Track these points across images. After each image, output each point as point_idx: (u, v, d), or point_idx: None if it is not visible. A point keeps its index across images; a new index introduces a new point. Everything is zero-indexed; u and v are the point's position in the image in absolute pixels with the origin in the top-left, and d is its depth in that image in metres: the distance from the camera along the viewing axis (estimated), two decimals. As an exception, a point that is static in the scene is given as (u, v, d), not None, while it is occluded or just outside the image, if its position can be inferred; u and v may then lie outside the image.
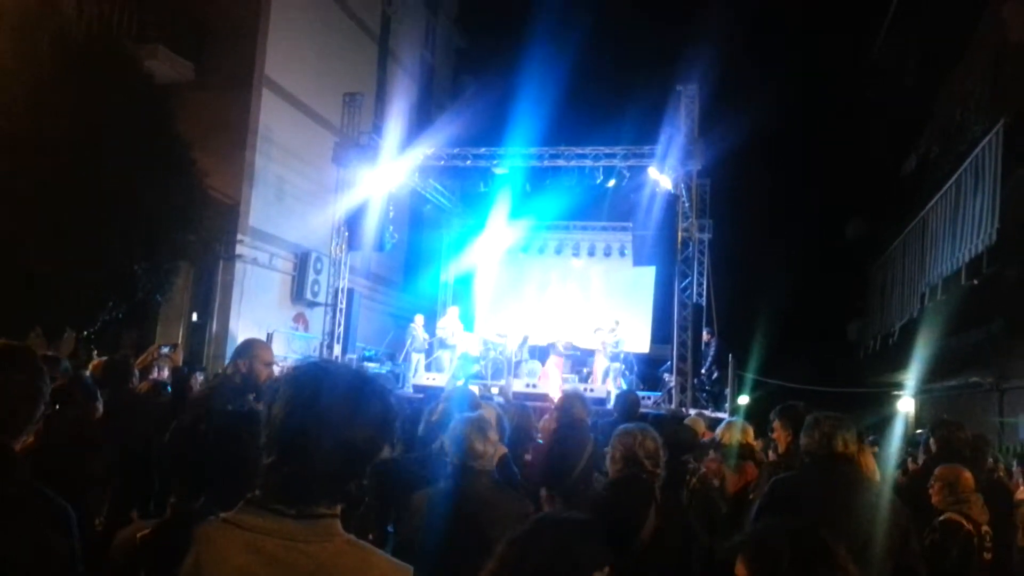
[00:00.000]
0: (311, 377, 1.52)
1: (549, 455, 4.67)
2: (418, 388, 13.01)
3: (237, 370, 3.66)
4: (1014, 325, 12.04)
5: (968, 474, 4.10)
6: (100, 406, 3.35)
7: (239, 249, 14.68)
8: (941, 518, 3.89)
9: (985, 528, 3.91)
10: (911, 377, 16.70)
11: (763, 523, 1.97)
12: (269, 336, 13.87)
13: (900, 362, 17.65)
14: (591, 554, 1.65)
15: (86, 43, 11.30)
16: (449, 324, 15.35)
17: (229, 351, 14.15)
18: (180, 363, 5.69)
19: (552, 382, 13.54)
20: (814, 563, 1.72)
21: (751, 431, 5.71)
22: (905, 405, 18.78)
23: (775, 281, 23.84)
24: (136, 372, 5.32)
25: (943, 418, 5.83)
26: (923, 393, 19.03)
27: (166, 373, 6.10)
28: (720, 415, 11.65)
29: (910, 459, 6.26)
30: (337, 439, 1.46)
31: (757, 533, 1.88)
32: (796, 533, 1.80)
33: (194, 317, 14.74)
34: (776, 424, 4.72)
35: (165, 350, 5.85)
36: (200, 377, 8.24)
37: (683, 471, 4.54)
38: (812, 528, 1.82)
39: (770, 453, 5.60)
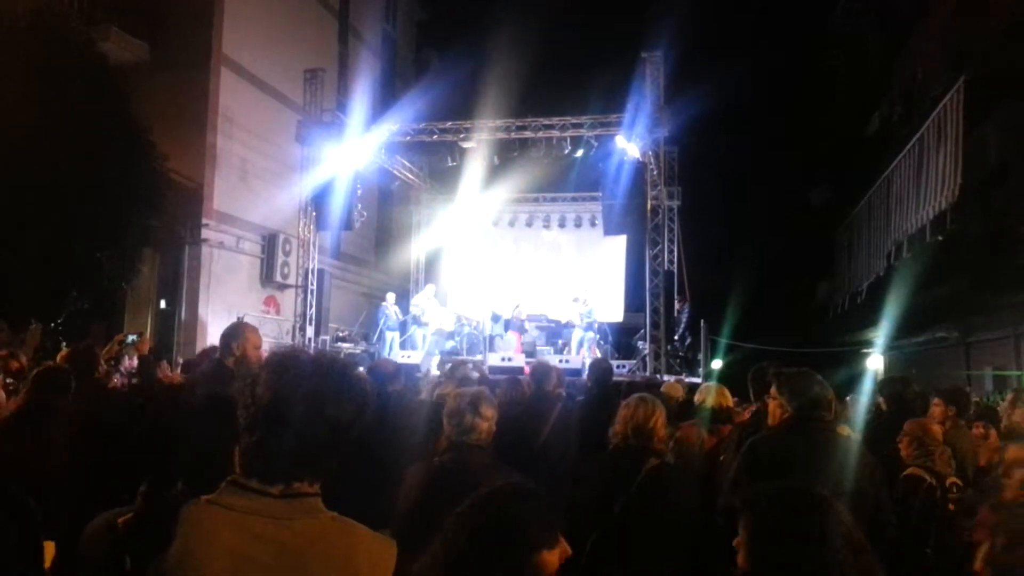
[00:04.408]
0: (292, 360, 1.57)
1: (511, 424, 4.66)
2: (393, 366, 12.96)
3: (231, 354, 3.61)
4: (978, 280, 12.28)
5: (936, 427, 4.16)
6: None
7: (205, 233, 14.45)
8: (904, 473, 3.94)
9: (952, 479, 3.96)
10: (880, 334, 17.01)
11: (763, 486, 1.93)
12: (240, 319, 13.72)
13: (869, 320, 17.95)
14: (530, 533, 1.59)
15: (36, 27, 10.96)
16: (423, 301, 15.30)
17: (199, 337, 14.02)
18: (147, 351, 5.60)
19: (518, 356, 13.67)
20: (822, 527, 1.68)
21: (728, 394, 5.75)
22: (874, 362, 19.13)
23: (745, 246, 24.11)
24: (103, 361, 5.24)
25: (891, 376, 5.97)
26: (892, 350, 19.39)
27: (135, 362, 6.02)
28: (695, 380, 11.76)
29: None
30: (321, 415, 1.50)
31: (759, 496, 1.83)
32: (802, 497, 1.77)
33: (162, 304, 14.53)
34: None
35: (131, 339, 5.76)
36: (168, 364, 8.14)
37: None
38: (816, 492, 1.79)
39: (743, 413, 5.65)
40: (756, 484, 1.91)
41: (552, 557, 1.61)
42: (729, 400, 5.71)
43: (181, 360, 9.38)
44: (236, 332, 3.73)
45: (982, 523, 1.80)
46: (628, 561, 3.22)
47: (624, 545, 3.22)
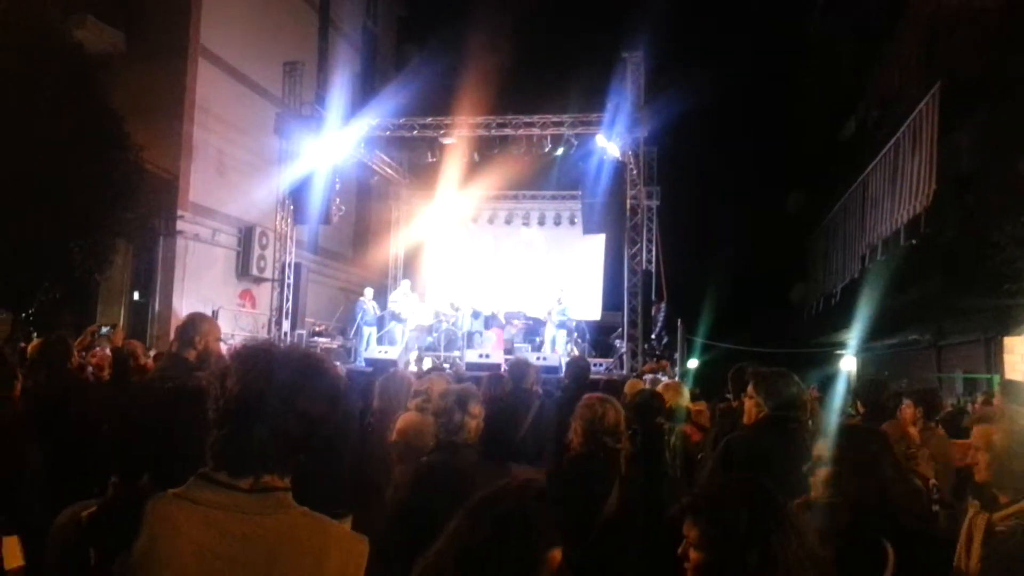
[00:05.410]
0: (263, 353, 1.55)
1: (491, 420, 4.65)
2: (370, 361, 12.91)
3: (192, 347, 3.54)
4: (951, 283, 12.44)
5: (912, 430, 4.20)
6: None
7: (180, 225, 14.27)
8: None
9: (933, 481, 3.99)
10: (853, 336, 17.19)
11: (707, 483, 1.93)
12: (215, 313, 13.58)
13: (842, 322, 18.15)
14: (545, 531, 1.60)
15: (10, 14, 10.78)
16: (401, 297, 15.25)
17: (173, 330, 13.86)
18: (120, 343, 5.53)
19: (496, 353, 13.62)
20: (767, 523, 1.69)
21: (686, 392, 5.82)
22: (847, 363, 19.34)
23: (722, 246, 24.28)
24: (75, 352, 5.16)
25: (868, 379, 6.04)
26: (865, 351, 19.64)
27: (107, 353, 5.94)
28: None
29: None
30: (292, 407, 1.48)
31: (706, 496, 1.82)
32: (748, 494, 1.77)
33: (136, 296, 14.34)
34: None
35: (104, 330, 5.68)
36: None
37: (660, 435, 4.57)
38: (760, 485, 1.79)
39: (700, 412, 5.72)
40: (705, 481, 1.91)
41: (559, 554, 1.61)
42: (688, 400, 5.77)
43: (153, 352, 9.27)
44: (195, 324, 3.64)
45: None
46: (619, 568, 3.17)
47: (613, 552, 3.17)
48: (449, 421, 3.12)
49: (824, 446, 2.45)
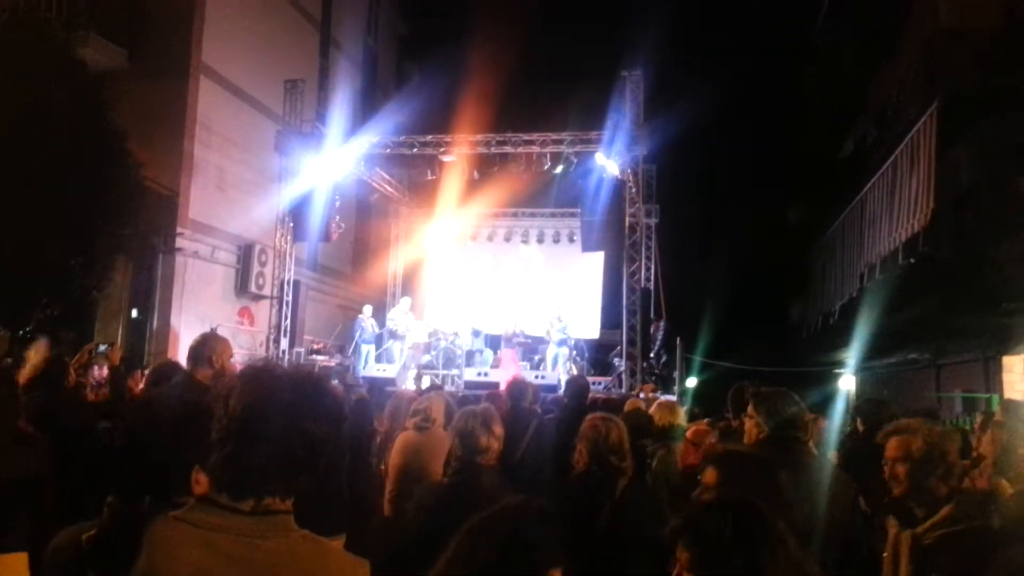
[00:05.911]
0: (266, 373, 1.55)
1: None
2: (367, 379, 12.89)
3: (209, 366, 3.54)
4: (949, 303, 12.42)
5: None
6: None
7: (179, 242, 14.27)
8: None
9: None
10: (851, 355, 17.16)
11: (697, 504, 1.93)
12: (213, 331, 13.54)
13: (841, 341, 18.11)
14: (546, 551, 1.58)
15: (13, 30, 10.84)
16: (400, 315, 15.24)
17: (171, 347, 13.84)
18: (118, 362, 5.50)
19: (506, 372, 13.55)
20: (755, 540, 1.68)
21: (681, 412, 5.82)
22: (846, 383, 19.30)
23: (720, 265, 24.34)
24: (72, 371, 5.14)
25: (868, 398, 6.05)
26: (863, 371, 19.60)
27: (105, 372, 5.91)
28: (670, 397, 11.79)
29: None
30: (294, 427, 1.48)
31: (694, 516, 1.81)
32: (734, 511, 1.76)
33: (134, 313, 14.32)
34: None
35: (102, 348, 5.66)
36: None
37: (642, 455, 4.57)
38: (750, 504, 1.79)
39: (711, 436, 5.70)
40: (695, 499, 1.90)
41: (559, 574, 1.60)
42: (682, 419, 5.75)
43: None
44: (209, 343, 3.64)
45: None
46: None
47: (605, 570, 3.15)
48: (473, 442, 3.08)
49: (712, 473, 2.43)
